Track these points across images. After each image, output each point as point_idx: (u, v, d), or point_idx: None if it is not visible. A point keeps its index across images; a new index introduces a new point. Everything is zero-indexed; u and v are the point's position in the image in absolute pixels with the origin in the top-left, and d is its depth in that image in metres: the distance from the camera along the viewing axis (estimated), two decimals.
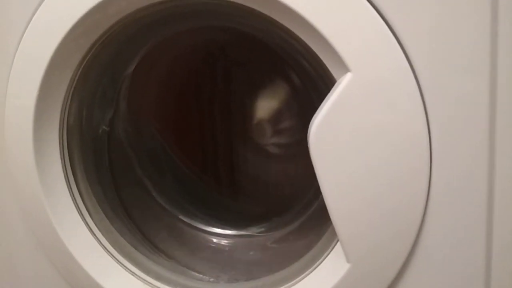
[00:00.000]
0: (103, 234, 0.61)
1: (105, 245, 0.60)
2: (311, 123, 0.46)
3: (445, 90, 0.44)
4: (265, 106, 0.78)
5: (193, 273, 0.65)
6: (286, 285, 0.55)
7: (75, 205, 0.60)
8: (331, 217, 0.47)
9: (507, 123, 0.44)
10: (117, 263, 0.60)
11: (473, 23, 0.43)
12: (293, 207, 0.75)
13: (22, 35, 0.54)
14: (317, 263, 0.53)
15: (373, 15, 0.44)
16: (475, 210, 0.46)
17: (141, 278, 0.60)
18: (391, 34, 0.44)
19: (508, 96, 0.44)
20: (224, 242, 0.74)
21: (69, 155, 0.60)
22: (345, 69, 0.45)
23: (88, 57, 0.56)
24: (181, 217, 0.76)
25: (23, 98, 0.55)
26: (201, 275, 0.65)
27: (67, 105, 0.58)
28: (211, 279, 0.64)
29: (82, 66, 0.57)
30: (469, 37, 0.43)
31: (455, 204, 0.47)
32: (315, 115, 0.46)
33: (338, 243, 0.50)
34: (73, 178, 0.60)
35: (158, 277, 0.61)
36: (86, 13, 0.50)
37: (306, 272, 0.54)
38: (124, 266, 0.60)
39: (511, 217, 0.46)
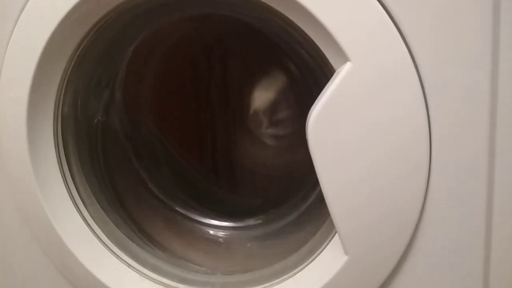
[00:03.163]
0: (98, 226, 0.61)
1: (100, 237, 0.60)
2: (309, 113, 0.46)
3: (446, 82, 0.44)
4: (262, 97, 0.78)
5: (189, 265, 0.65)
6: (284, 277, 0.55)
7: (69, 196, 0.59)
8: (329, 208, 0.47)
9: (508, 120, 0.44)
10: (113, 254, 0.60)
11: (475, 15, 0.43)
12: (290, 199, 0.75)
13: (15, 24, 0.53)
14: (315, 255, 0.53)
15: (374, 4, 0.43)
16: (474, 204, 0.46)
17: (137, 270, 0.60)
18: (392, 25, 0.44)
19: (510, 91, 0.43)
20: (221, 234, 0.74)
21: (63, 145, 0.60)
22: (344, 58, 0.44)
23: (82, 46, 0.56)
24: (177, 208, 0.75)
25: (16, 88, 0.54)
26: (198, 267, 0.64)
27: (61, 95, 0.58)
28: (208, 271, 0.64)
29: (77, 55, 0.56)
30: (471, 30, 0.43)
31: (454, 197, 0.47)
32: (313, 105, 0.46)
33: (336, 235, 0.50)
34: (67, 169, 0.60)
35: (154, 269, 0.61)
36: (80, 0, 0.49)
37: (304, 264, 0.54)
38: (120, 258, 0.60)
39: (511, 217, 0.46)
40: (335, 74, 0.46)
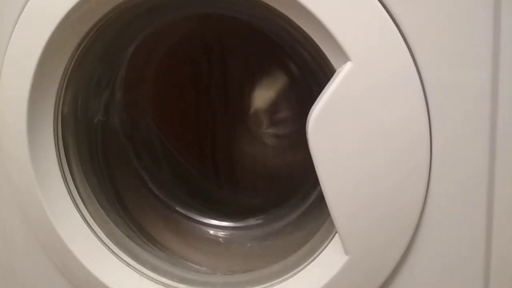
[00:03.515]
0: (98, 225, 0.61)
1: (100, 236, 0.60)
2: (310, 113, 0.46)
3: (447, 82, 0.44)
4: (263, 97, 0.78)
5: (189, 264, 0.65)
6: (284, 277, 0.54)
7: (69, 196, 0.59)
8: (329, 209, 0.47)
9: (508, 121, 0.44)
10: (112, 254, 0.60)
11: (476, 15, 0.43)
12: (291, 198, 0.74)
13: (15, 24, 0.53)
14: (315, 254, 0.53)
15: (374, 4, 0.43)
16: (474, 206, 0.46)
17: (137, 269, 0.60)
18: (393, 24, 0.44)
19: (510, 92, 0.43)
20: (221, 233, 0.74)
21: (63, 145, 0.59)
22: (345, 58, 0.44)
23: (83, 45, 0.56)
24: (177, 208, 0.75)
25: (17, 87, 0.54)
26: (198, 267, 0.64)
27: (62, 94, 0.58)
28: (208, 271, 0.64)
29: (77, 55, 0.56)
30: (471, 30, 0.43)
31: (454, 198, 0.47)
32: (314, 105, 0.46)
33: (337, 235, 0.50)
34: (67, 168, 0.60)
35: (154, 269, 0.61)
36: (80, 0, 0.49)
37: (304, 264, 0.53)
38: (120, 257, 0.60)
39: (511, 218, 0.46)
40: (335, 73, 0.45)
